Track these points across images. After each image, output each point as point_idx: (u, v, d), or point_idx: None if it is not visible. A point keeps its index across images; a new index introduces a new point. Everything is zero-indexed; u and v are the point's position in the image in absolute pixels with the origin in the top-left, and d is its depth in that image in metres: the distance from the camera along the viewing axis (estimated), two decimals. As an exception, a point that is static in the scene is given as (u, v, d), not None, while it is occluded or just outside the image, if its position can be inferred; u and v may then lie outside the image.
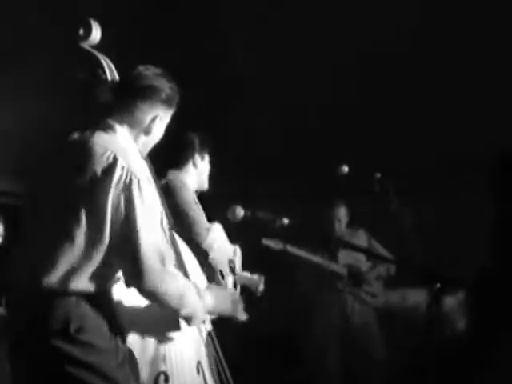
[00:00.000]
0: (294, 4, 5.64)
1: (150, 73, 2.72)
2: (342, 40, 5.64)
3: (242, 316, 3.04)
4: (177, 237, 3.03)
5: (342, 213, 5.68)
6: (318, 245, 5.58)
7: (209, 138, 4.10)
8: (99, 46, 2.82)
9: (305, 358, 5.69)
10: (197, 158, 4.05)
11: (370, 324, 5.54)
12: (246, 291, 3.92)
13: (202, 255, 3.50)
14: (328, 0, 5.58)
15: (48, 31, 5.03)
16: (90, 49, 2.82)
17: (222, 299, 2.94)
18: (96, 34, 2.79)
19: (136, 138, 2.73)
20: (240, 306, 3.03)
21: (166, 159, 3.99)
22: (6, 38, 5.10)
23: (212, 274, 3.62)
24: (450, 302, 4.46)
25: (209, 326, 3.11)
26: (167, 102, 2.75)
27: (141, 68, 2.74)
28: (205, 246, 3.68)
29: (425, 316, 4.13)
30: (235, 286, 3.83)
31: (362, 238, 5.66)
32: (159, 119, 2.74)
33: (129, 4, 5.36)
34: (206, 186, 4.12)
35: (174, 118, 2.86)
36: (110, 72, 2.84)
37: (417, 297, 5.30)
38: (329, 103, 5.85)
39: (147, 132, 2.74)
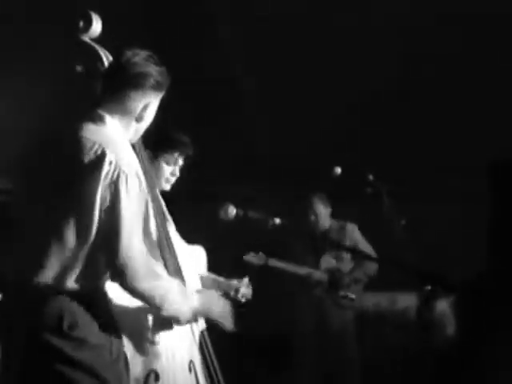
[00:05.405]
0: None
1: (138, 59, 2.60)
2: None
3: (230, 325, 2.96)
4: (173, 231, 2.99)
5: (318, 207, 5.56)
6: (306, 245, 5.57)
7: (189, 143, 3.66)
8: (99, 39, 2.76)
9: (293, 359, 5.71)
10: (171, 157, 3.52)
11: (345, 327, 5.54)
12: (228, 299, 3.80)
13: None
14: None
15: (46, 26, 4.99)
16: (89, 42, 2.76)
17: (210, 301, 2.89)
18: (96, 26, 2.74)
19: (127, 126, 2.64)
20: (228, 315, 2.96)
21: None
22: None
23: None
24: (442, 305, 4.44)
25: (202, 325, 3.08)
26: (158, 88, 2.65)
27: (128, 54, 2.61)
28: None
29: (414, 320, 4.12)
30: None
31: (349, 233, 5.59)
32: (150, 105, 2.66)
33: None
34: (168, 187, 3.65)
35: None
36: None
37: (407, 300, 5.27)
38: (325, 107, 5.87)
39: (139, 119, 2.65)
